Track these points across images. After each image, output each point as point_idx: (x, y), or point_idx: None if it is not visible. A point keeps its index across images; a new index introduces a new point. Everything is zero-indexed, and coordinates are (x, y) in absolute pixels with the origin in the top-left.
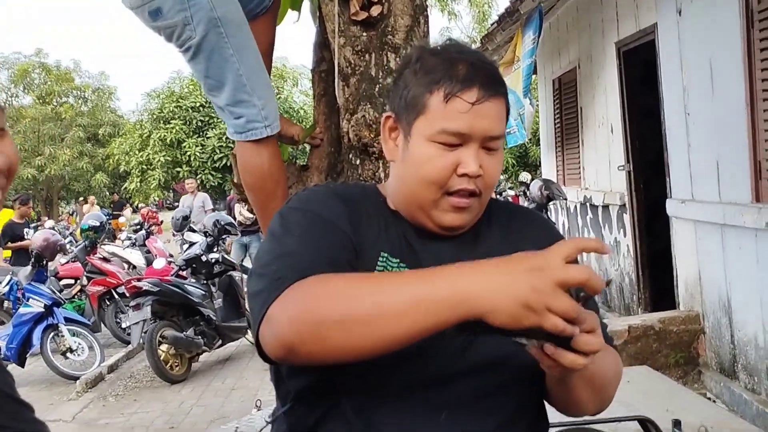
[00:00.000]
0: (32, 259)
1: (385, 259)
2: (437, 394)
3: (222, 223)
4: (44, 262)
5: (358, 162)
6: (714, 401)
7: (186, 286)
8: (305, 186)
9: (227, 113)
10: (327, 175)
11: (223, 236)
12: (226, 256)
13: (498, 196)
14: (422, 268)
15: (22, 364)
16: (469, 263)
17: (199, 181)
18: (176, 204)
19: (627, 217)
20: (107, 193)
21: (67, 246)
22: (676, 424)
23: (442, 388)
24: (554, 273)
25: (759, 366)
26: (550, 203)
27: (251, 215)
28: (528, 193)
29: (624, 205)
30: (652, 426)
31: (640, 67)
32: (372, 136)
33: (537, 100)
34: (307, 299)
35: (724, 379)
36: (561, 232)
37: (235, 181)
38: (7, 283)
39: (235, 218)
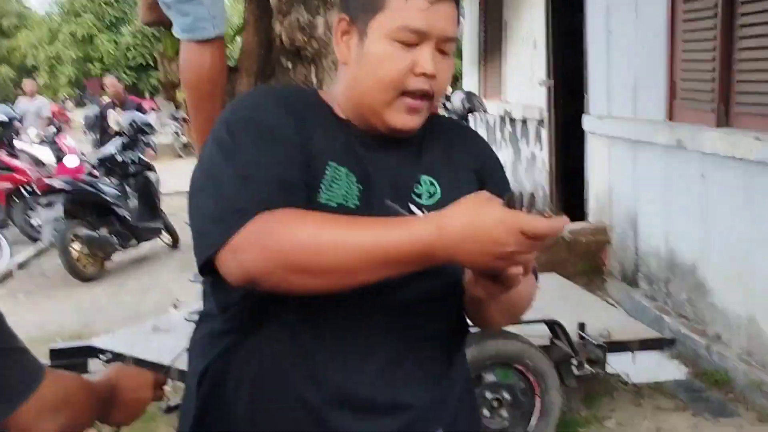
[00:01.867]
0: None
1: (333, 168)
2: (386, 298)
3: (138, 122)
4: None
5: (289, 65)
6: (615, 307)
7: (100, 185)
8: (233, 88)
9: (174, 11)
10: (256, 79)
11: (139, 135)
12: (142, 156)
13: None
14: (369, 177)
15: None
16: (435, 214)
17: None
18: (86, 101)
19: (544, 132)
20: (12, 88)
21: None
22: (581, 326)
23: (391, 292)
24: (515, 234)
25: (659, 275)
26: (470, 115)
27: (124, 124)
28: (448, 105)
29: (542, 120)
30: (560, 328)
31: None
32: (305, 39)
33: (462, 15)
34: (275, 240)
35: (626, 288)
36: None
37: (162, 79)
38: None
39: (108, 126)
